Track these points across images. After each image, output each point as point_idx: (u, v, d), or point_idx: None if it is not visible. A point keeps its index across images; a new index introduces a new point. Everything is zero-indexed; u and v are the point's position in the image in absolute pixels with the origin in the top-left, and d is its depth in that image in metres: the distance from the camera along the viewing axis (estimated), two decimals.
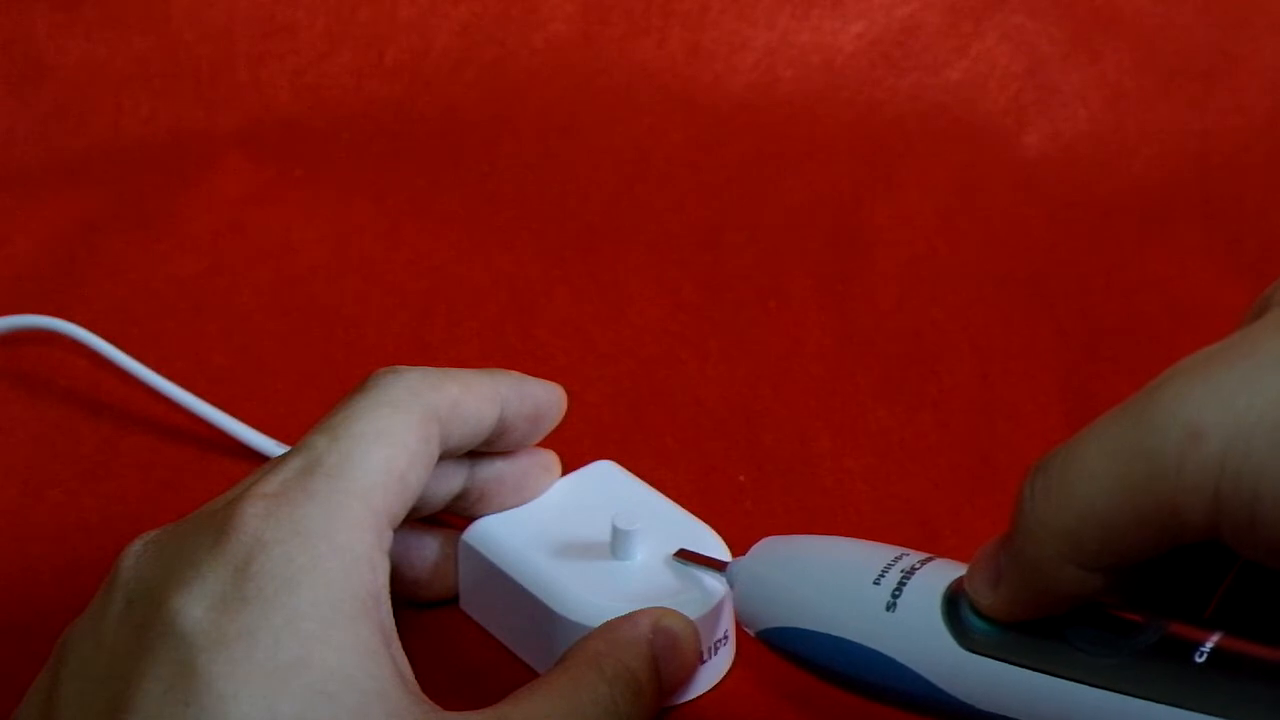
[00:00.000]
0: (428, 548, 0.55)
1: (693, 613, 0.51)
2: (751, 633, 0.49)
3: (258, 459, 0.61)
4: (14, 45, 0.80)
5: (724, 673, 0.54)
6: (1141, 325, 0.69)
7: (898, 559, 0.46)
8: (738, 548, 0.52)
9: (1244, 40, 0.81)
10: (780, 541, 0.50)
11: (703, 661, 0.52)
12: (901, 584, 0.45)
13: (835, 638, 0.46)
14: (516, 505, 0.55)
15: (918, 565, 0.45)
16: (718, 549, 0.53)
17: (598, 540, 0.53)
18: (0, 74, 0.79)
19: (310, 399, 0.62)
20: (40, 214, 0.74)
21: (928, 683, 0.44)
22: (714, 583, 0.52)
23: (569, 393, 0.54)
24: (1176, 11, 0.82)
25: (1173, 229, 0.74)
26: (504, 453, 0.54)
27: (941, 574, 0.45)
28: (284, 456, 0.48)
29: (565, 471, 0.56)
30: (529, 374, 0.54)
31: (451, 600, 0.56)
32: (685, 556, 0.53)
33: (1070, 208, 0.75)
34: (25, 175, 0.76)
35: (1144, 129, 0.78)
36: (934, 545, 0.51)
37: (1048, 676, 0.41)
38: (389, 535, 0.48)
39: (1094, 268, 0.72)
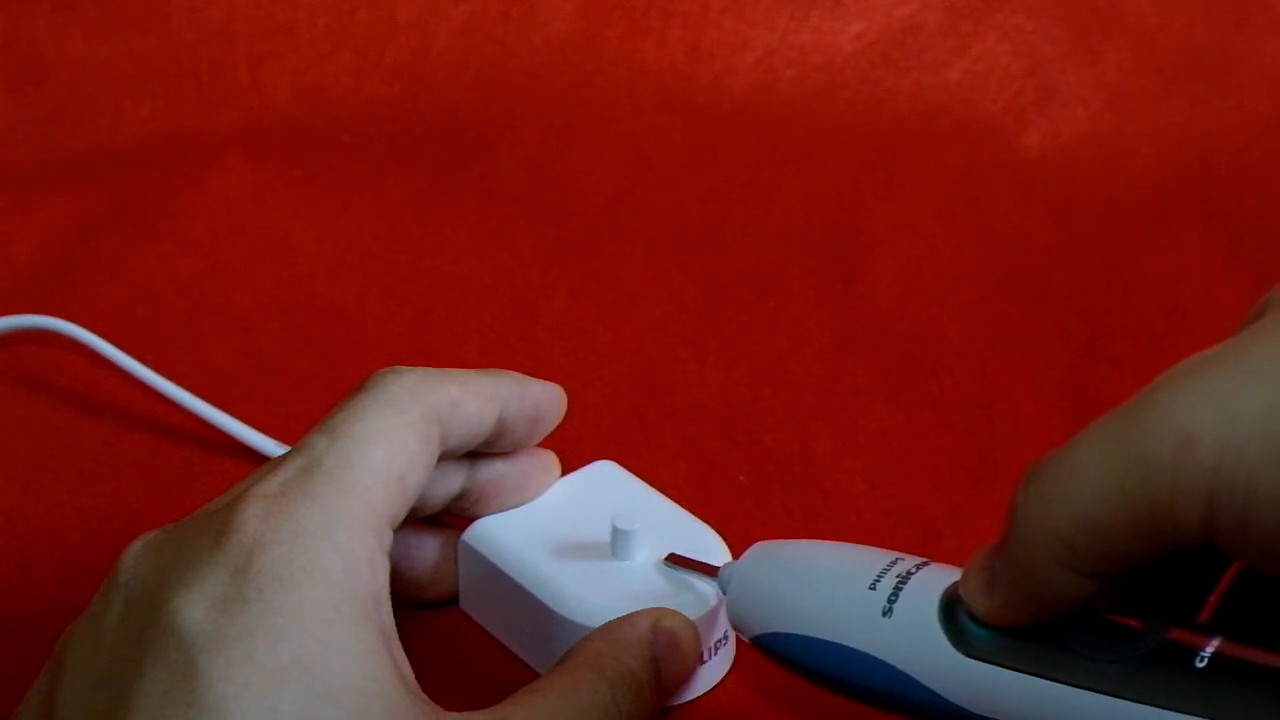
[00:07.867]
0: (428, 548, 0.55)
1: (693, 613, 0.51)
2: (745, 638, 0.49)
3: (258, 459, 0.61)
4: (14, 45, 0.80)
5: (724, 673, 0.54)
6: (1141, 325, 0.69)
7: (893, 563, 0.46)
8: (738, 548, 0.52)
9: (1244, 40, 0.81)
10: (773, 546, 0.49)
11: (703, 662, 0.52)
12: (898, 589, 0.45)
13: (831, 643, 0.45)
14: (516, 505, 0.55)
15: (914, 570, 0.45)
16: (717, 549, 0.53)
17: (597, 540, 0.53)
18: (0, 74, 0.79)
19: (310, 399, 0.62)
20: (40, 214, 0.74)
21: (925, 688, 0.44)
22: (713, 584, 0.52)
23: (569, 393, 0.54)
24: (1176, 11, 0.82)
25: (1173, 229, 0.74)
26: (504, 453, 0.54)
27: (938, 578, 0.44)
28: (284, 457, 0.48)
29: (565, 471, 0.56)
30: (529, 374, 0.54)
31: (451, 600, 0.56)
32: (676, 561, 0.52)
33: (1070, 208, 0.75)
34: (25, 175, 0.76)
35: (1144, 129, 0.78)
36: (934, 545, 0.51)
37: (1047, 682, 0.41)
38: (389, 536, 0.48)
39: (1094, 268, 0.72)
